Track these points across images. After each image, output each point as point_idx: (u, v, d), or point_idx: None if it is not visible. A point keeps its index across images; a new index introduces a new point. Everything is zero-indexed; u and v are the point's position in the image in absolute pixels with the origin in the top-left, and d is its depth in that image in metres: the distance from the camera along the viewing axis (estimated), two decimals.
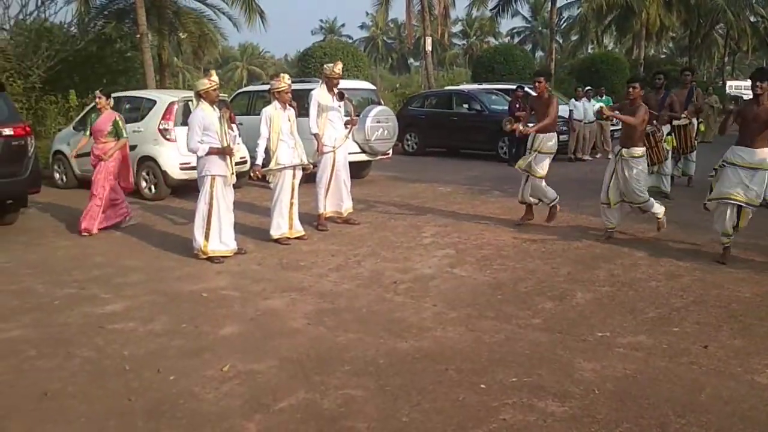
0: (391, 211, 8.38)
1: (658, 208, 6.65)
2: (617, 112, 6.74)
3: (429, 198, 9.40)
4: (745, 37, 38.81)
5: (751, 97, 5.91)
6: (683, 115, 9.38)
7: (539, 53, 53.97)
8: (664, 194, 8.99)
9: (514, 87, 14.28)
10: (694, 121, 9.87)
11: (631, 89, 6.58)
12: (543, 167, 7.20)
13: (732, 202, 5.81)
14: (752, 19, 39.76)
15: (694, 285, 5.26)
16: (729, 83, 46.32)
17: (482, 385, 3.51)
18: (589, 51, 40.90)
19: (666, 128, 9.10)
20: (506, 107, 13.72)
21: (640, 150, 6.58)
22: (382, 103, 12.06)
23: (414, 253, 6.31)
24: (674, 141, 9.39)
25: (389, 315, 4.63)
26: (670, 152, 9.00)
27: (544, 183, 7.28)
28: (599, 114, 6.95)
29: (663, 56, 48.83)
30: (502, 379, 3.58)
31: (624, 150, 6.54)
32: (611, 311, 4.67)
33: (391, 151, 11.53)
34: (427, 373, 3.67)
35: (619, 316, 4.58)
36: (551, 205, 7.30)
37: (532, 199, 7.41)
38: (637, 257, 6.11)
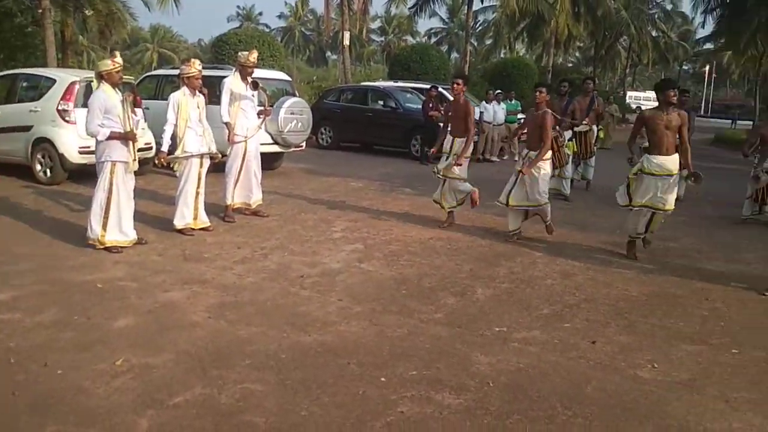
0: (301, 205, 8.32)
1: (549, 216, 6.93)
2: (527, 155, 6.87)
3: (341, 192, 9.41)
4: (646, 51, 41.22)
5: (654, 106, 6.31)
6: (584, 122, 9.87)
7: (455, 55, 55.19)
8: (564, 197, 9.42)
9: (428, 86, 14.50)
10: (594, 128, 10.38)
11: (537, 93, 6.86)
12: (463, 171, 7.25)
13: (653, 210, 6.15)
14: (653, 33, 42.29)
15: (587, 283, 5.55)
16: (629, 93, 49.11)
17: (383, 379, 3.56)
18: (502, 56, 42.19)
19: (568, 134, 9.54)
20: (420, 106, 13.94)
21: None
22: (297, 94, 11.93)
23: (323, 248, 6.30)
24: (575, 146, 9.85)
25: (294, 309, 4.61)
26: (570, 157, 9.42)
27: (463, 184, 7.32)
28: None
29: (570, 65, 50.99)
30: (402, 372, 3.65)
31: (531, 153, 6.78)
32: (509, 307, 4.85)
33: (304, 144, 11.44)
34: (329, 367, 3.68)
35: (516, 312, 4.76)
36: (465, 197, 7.37)
37: (448, 200, 7.40)
38: (536, 256, 6.37)
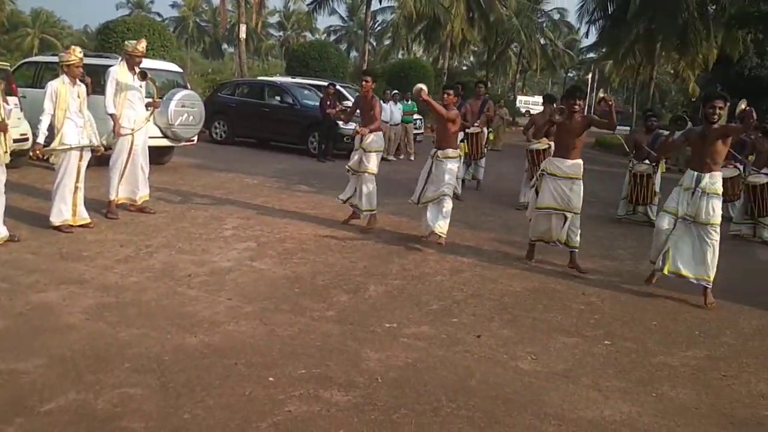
0: (191, 201, 8.05)
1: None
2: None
3: (234, 189, 9.19)
4: (535, 58, 43.17)
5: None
6: (476, 124, 10.20)
7: (354, 53, 55.39)
8: (456, 196, 9.68)
9: (326, 84, 14.46)
10: (485, 130, 10.76)
11: (445, 95, 6.95)
12: (374, 164, 7.24)
13: (552, 211, 6.21)
14: (542, 41, 44.38)
15: (474, 279, 5.74)
16: (519, 98, 51.30)
17: (271, 378, 3.51)
18: (400, 56, 42.79)
19: (459, 135, 9.80)
20: (318, 103, 13.86)
21: (454, 152, 6.93)
22: (189, 87, 11.53)
23: (213, 246, 6.13)
24: (466, 147, 10.16)
25: (179, 309, 4.45)
26: (462, 157, 9.71)
27: (374, 187, 7.30)
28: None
29: (465, 68, 52.64)
30: (291, 371, 3.61)
31: (439, 152, 6.83)
32: (400, 303, 4.93)
33: (196, 138, 11.07)
34: (215, 369, 3.58)
35: (406, 308, 4.84)
36: (372, 214, 7.35)
37: (363, 204, 7.29)
38: (428, 253, 6.52)
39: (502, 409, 3.39)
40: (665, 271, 5.64)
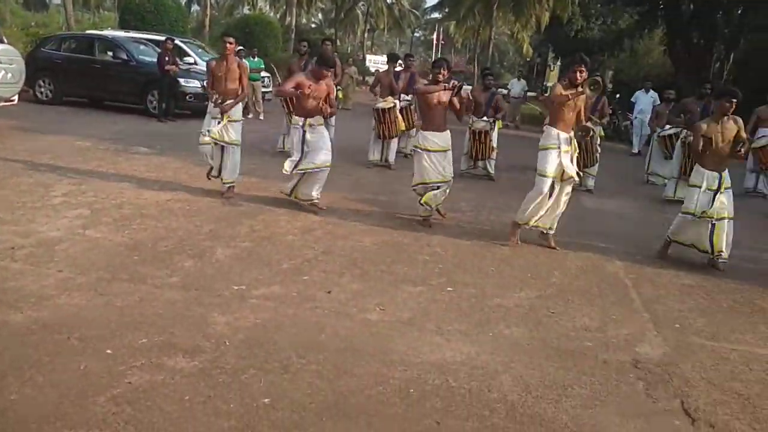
0: (13, 168, 7.28)
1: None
2: None
3: (64, 153, 8.43)
4: (382, 17, 43.60)
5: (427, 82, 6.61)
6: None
7: (195, 7, 52.47)
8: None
9: (164, 38, 13.61)
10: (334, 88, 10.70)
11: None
12: (237, 132, 6.92)
13: (437, 185, 6.36)
14: (388, 0, 44.79)
15: (325, 237, 5.77)
16: (369, 57, 51.66)
17: (108, 351, 3.31)
18: (246, 12, 41.28)
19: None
20: (155, 59, 13.03)
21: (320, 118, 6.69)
22: (5, 41, 10.33)
23: (39, 215, 5.61)
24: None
25: (2, 285, 4.04)
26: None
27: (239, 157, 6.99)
28: None
29: (313, 25, 51.98)
30: (131, 342, 3.43)
31: (309, 119, 6.53)
32: (249, 265, 4.84)
33: (16, 98, 10.01)
34: (45, 345, 3.31)
35: (256, 269, 4.77)
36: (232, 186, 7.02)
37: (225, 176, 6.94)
38: (279, 213, 6.44)
39: (350, 360, 3.47)
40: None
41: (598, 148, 9.27)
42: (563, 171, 5.83)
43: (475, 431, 2.91)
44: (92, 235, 5.20)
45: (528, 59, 38.70)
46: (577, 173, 6.29)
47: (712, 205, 5.78)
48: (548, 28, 29.42)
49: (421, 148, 6.40)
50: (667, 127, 9.98)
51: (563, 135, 5.85)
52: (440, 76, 6.34)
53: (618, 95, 21.23)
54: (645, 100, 14.69)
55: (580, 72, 5.73)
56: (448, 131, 6.48)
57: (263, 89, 15.52)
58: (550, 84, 30.65)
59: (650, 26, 21.44)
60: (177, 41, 14.66)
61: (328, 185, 7.03)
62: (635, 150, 15.05)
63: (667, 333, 4.31)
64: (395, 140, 9.92)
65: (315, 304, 4.21)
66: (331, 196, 7.34)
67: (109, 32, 16.62)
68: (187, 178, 7.30)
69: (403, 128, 9.93)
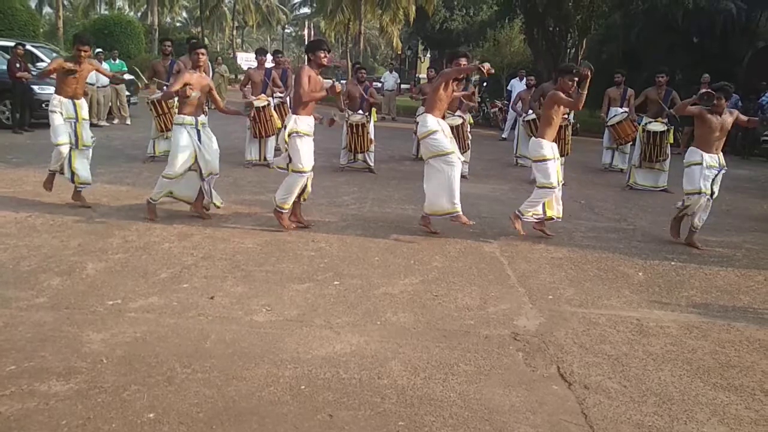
0: None
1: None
2: None
3: None
4: (250, 13, 42.75)
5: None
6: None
7: (48, 9, 48.91)
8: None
9: (13, 44, 12.59)
10: None
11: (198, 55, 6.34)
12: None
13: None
14: None
15: (204, 242, 5.60)
16: (240, 55, 50.54)
17: None
18: (104, 12, 39.05)
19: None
20: (5, 66, 12.03)
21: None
22: None
23: None
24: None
25: None
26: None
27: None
28: None
29: (179, 24, 50.06)
30: None
31: (200, 117, 6.30)
32: (123, 278, 4.61)
33: None
34: None
35: (131, 281, 4.55)
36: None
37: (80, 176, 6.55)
38: (153, 222, 6.16)
39: (239, 364, 3.41)
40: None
41: (469, 135, 9.64)
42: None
43: (367, 419, 2.95)
44: None
45: (399, 52, 39.47)
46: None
47: None
48: (416, 21, 30.17)
49: (303, 133, 6.14)
50: (530, 111, 10.55)
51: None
52: (324, 59, 6.17)
53: (485, 83, 22.15)
54: (520, 87, 15.44)
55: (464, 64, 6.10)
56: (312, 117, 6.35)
57: (127, 93, 14.76)
58: (422, 76, 31.52)
59: (509, 16, 22.55)
60: (28, 46, 13.63)
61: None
62: (504, 135, 15.79)
63: (542, 304, 4.59)
64: (272, 138, 9.79)
65: (198, 312, 4.09)
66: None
67: None
68: (49, 192, 6.80)
69: (279, 125, 9.81)
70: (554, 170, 6.20)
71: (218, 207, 6.49)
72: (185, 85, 6.01)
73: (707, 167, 6.30)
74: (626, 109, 10.44)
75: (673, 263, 5.81)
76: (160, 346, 3.56)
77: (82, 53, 6.46)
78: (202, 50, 6.38)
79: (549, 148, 6.20)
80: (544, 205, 6.30)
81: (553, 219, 6.40)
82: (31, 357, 3.34)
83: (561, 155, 9.30)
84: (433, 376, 3.42)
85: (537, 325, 4.22)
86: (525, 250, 5.96)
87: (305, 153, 6.13)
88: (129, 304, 4.15)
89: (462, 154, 9.40)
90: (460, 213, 6.15)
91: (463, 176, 9.55)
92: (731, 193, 9.84)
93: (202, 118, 6.33)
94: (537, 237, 6.43)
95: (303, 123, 6.10)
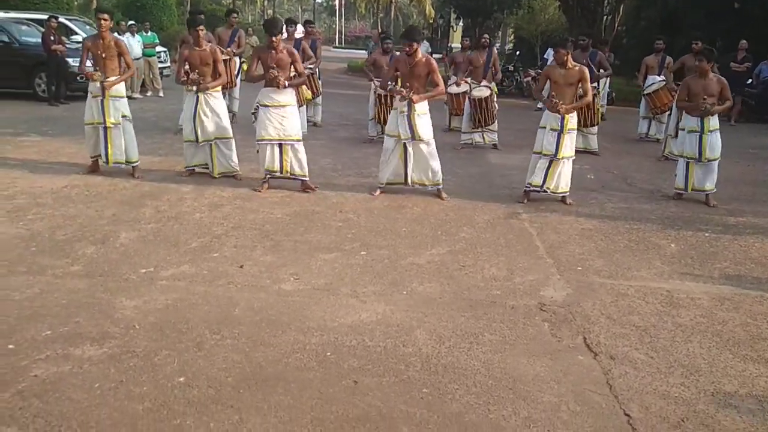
0: None
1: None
2: None
3: None
4: None
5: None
6: (228, 50, 9.80)
7: None
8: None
9: (47, 17, 12.76)
10: (237, 60, 10.43)
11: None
12: (124, 107, 6.76)
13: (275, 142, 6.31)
14: None
15: (234, 212, 5.67)
16: None
17: (10, 346, 3.17)
18: None
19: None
20: (40, 39, 12.22)
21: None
22: None
23: None
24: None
25: None
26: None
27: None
28: None
29: None
30: (34, 335, 3.29)
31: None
32: (156, 247, 4.71)
33: None
34: None
35: (163, 250, 4.65)
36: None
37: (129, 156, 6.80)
38: (184, 192, 6.27)
39: (266, 331, 3.47)
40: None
41: (496, 106, 9.48)
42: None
43: (391, 386, 2.99)
44: None
45: (431, 21, 38.89)
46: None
47: None
48: None
49: (265, 105, 6.37)
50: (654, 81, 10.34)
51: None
52: (273, 41, 6.22)
53: (519, 52, 21.77)
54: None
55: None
56: (291, 91, 6.42)
57: (160, 65, 14.89)
58: (455, 45, 31.08)
59: None
60: (62, 19, 13.82)
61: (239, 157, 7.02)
62: (540, 105, 15.50)
63: (570, 275, 4.55)
64: (302, 108, 9.79)
65: (227, 280, 4.16)
66: (241, 167, 7.17)
67: None
68: (84, 163, 6.95)
69: (309, 96, 9.83)
70: (541, 137, 6.34)
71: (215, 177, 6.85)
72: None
73: (688, 131, 6.68)
74: (663, 78, 10.15)
75: (707, 234, 5.69)
76: (190, 312, 3.64)
77: (102, 21, 6.54)
78: (201, 27, 6.74)
79: (545, 116, 6.36)
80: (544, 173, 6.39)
81: (543, 191, 6.45)
82: (65, 322, 3.45)
83: (590, 125, 9.18)
84: (458, 345, 3.43)
85: (564, 296, 4.19)
86: (555, 222, 5.90)
87: (261, 123, 6.36)
88: (160, 272, 4.24)
89: (490, 125, 9.35)
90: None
91: (493, 146, 9.54)
92: None
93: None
94: (567, 209, 6.35)
95: (263, 95, 6.38)
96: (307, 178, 6.52)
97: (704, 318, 3.91)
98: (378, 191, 6.52)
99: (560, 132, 6.23)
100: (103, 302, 3.73)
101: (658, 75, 10.39)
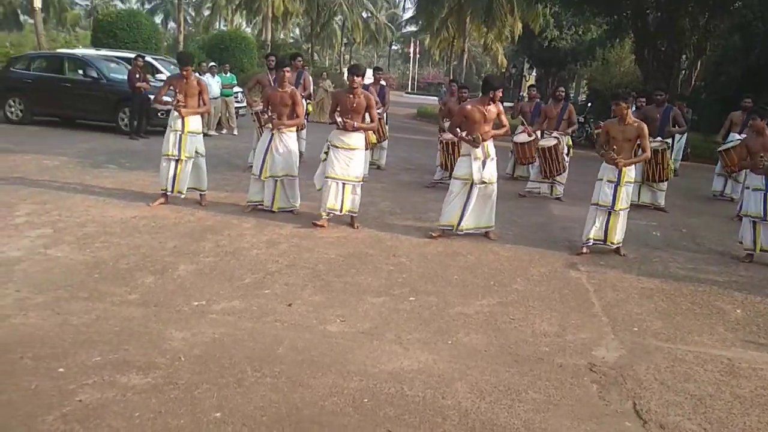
0: None
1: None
2: None
3: (31, 172, 8.36)
4: (358, 30, 43.81)
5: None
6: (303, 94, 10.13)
7: (171, 24, 52.48)
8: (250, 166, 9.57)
9: (134, 56, 13.58)
10: (304, 102, 10.74)
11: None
12: (200, 143, 7.31)
13: (339, 180, 6.57)
14: (364, 15, 45.08)
15: (290, 250, 5.77)
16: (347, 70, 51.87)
17: (61, 369, 3.30)
18: (223, 28, 41.31)
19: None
20: (126, 76, 12.99)
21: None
22: None
23: (1, 235, 5.56)
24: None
25: None
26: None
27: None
28: None
29: (291, 40, 52.08)
30: (85, 360, 3.42)
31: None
32: (211, 280, 4.83)
33: None
34: None
35: (217, 284, 4.76)
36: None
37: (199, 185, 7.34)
38: (245, 228, 6.43)
39: (307, 372, 3.48)
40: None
41: (566, 158, 9.36)
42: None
43: None
44: (53, 254, 5.16)
45: (503, 70, 39.08)
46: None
47: None
48: (522, 38, 29.78)
49: (333, 145, 6.64)
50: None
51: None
52: (354, 83, 6.56)
53: (590, 104, 21.49)
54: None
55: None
56: (361, 134, 6.70)
57: (236, 104, 15.52)
58: (524, 94, 31.06)
59: (620, 36, 21.76)
60: (148, 58, 14.65)
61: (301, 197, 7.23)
62: None
63: (625, 336, 4.37)
64: (367, 151, 9.95)
65: (275, 318, 4.22)
66: (300, 209, 7.34)
67: (79, 51, 16.56)
68: (155, 195, 7.27)
69: (374, 140, 9.99)
70: (598, 189, 6.34)
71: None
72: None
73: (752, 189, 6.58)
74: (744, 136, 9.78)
75: None
76: (235, 348, 3.70)
77: (184, 72, 7.05)
78: (287, 69, 7.08)
79: (602, 168, 6.36)
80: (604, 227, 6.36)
81: (605, 245, 6.42)
82: (116, 350, 3.57)
83: (660, 180, 8.92)
84: (499, 401, 3.34)
85: (617, 357, 4.02)
86: (614, 279, 5.71)
87: (329, 162, 6.63)
88: (212, 305, 4.34)
89: (557, 176, 9.22)
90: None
91: (557, 198, 9.38)
92: None
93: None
94: (629, 265, 6.15)
95: (334, 136, 6.69)
96: (356, 215, 6.81)
97: (765, 390, 3.66)
98: (437, 232, 6.64)
99: (617, 184, 6.19)
100: (154, 332, 3.84)
101: (740, 133, 10.03)
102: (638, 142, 6.32)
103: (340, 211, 6.66)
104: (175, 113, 7.02)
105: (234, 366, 3.48)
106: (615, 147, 6.20)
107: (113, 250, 5.40)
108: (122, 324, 3.91)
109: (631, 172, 6.31)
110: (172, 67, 16.35)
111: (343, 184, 6.61)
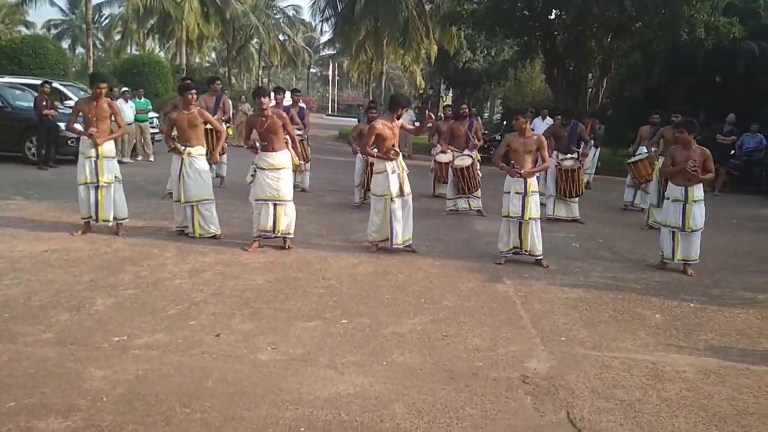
0: None
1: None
2: None
3: None
4: (276, 54, 43.64)
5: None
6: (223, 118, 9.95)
7: (80, 49, 50.52)
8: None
9: (40, 82, 12.96)
10: (224, 126, 10.54)
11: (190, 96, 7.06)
12: (116, 169, 7.07)
13: (270, 202, 6.56)
14: (281, 38, 44.96)
15: (215, 278, 5.60)
16: None
17: None
18: (135, 52, 40.16)
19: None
20: (32, 104, 12.35)
21: (202, 149, 7.05)
22: None
23: None
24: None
25: None
26: None
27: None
28: None
29: (207, 64, 51.23)
30: None
31: (190, 149, 6.92)
32: (131, 314, 4.61)
33: None
34: None
35: (139, 318, 4.54)
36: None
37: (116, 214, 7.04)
38: (166, 257, 6.20)
39: (239, 405, 3.35)
40: None
41: (479, 173, 9.63)
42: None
43: None
44: None
45: (421, 91, 39.86)
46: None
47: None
48: (438, 60, 30.47)
49: (259, 168, 6.67)
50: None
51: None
52: (264, 104, 6.62)
53: (505, 122, 22.18)
54: (541, 127, 15.42)
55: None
56: (286, 152, 6.83)
57: (152, 130, 15.05)
58: (441, 114, 31.68)
59: (530, 57, 22.66)
60: (55, 84, 14.04)
61: (222, 223, 7.01)
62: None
63: (553, 346, 4.47)
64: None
65: (202, 349, 4.06)
66: (227, 230, 7.16)
67: None
68: (67, 227, 6.91)
69: (296, 162, 9.89)
70: (507, 202, 6.64)
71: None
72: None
73: (672, 200, 6.81)
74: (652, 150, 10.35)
75: (692, 305, 5.65)
76: (161, 384, 3.52)
77: (100, 91, 6.80)
78: (192, 91, 7.09)
79: (507, 181, 6.68)
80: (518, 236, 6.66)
81: (523, 252, 6.71)
82: (31, 393, 3.33)
83: (575, 195, 9.31)
84: (438, 419, 3.32)
85: (548, 367, 4.10)
86: (539, 290, 5.85)
87: (257, 184, 6.65)
88: (134, 340, 4.13)
89: (474, 191, 9.45)
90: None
91: (478, 212, 9.58)
92: (753, 233, 9.64)
93: (191, 149, 6.93)
94: (552, 277, 6.33)
95: (259, 159, 6.72)
96: (291, 236, 6.82)
97: (690, 392, 3.83)
98: (374, 248, 6.86)
99: (524, 195, 6.53)
100: (72, 372, 3.60)
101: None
102: (539, 153, 6.72)
103: (273, 233, 6.60)
104: (88, 140, 6.74)
105: (161, 403, 3.31)
106: (514, 160, 6.60)
107: (24, 286, 5.06)
108: (37, 365, 3.65)
109: (534, 183, 6.66)
110: (82, 93, 15.73)
111: (275, 204, 6.56)
